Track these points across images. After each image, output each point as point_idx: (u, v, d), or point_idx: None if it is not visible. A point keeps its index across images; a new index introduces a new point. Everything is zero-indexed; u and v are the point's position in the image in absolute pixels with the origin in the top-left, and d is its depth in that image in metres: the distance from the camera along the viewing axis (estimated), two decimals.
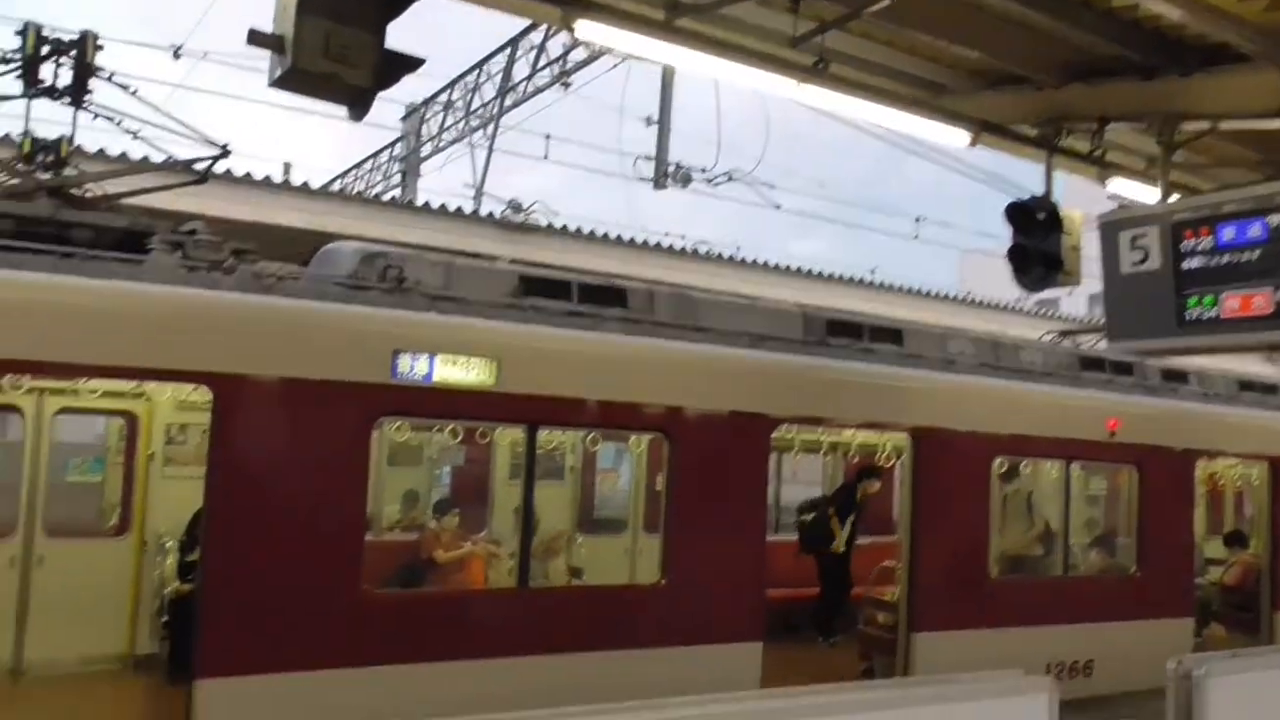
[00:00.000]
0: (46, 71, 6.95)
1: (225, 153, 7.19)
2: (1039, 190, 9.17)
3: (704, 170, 17.92)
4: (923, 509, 8.81)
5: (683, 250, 18.63)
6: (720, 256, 19.04)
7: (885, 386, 8.81)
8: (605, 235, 17.70)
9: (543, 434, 7.75)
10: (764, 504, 8.18)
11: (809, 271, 19.94)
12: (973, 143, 8.86)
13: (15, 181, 6.65)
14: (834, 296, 18.29)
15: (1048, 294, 13.65)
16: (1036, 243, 8.86)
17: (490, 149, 19.13)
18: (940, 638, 8.66)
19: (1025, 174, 9.52)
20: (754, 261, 19.29)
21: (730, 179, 17.86)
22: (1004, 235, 9.08)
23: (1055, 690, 5.19)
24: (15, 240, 5.94)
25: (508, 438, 9.69)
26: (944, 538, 8.94)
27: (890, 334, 9.38)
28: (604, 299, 7.92)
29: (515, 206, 16.96)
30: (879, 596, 9.54)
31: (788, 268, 19.66)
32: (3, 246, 5.84)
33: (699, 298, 8.79)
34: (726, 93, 13.45)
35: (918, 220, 24.13)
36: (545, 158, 18.74)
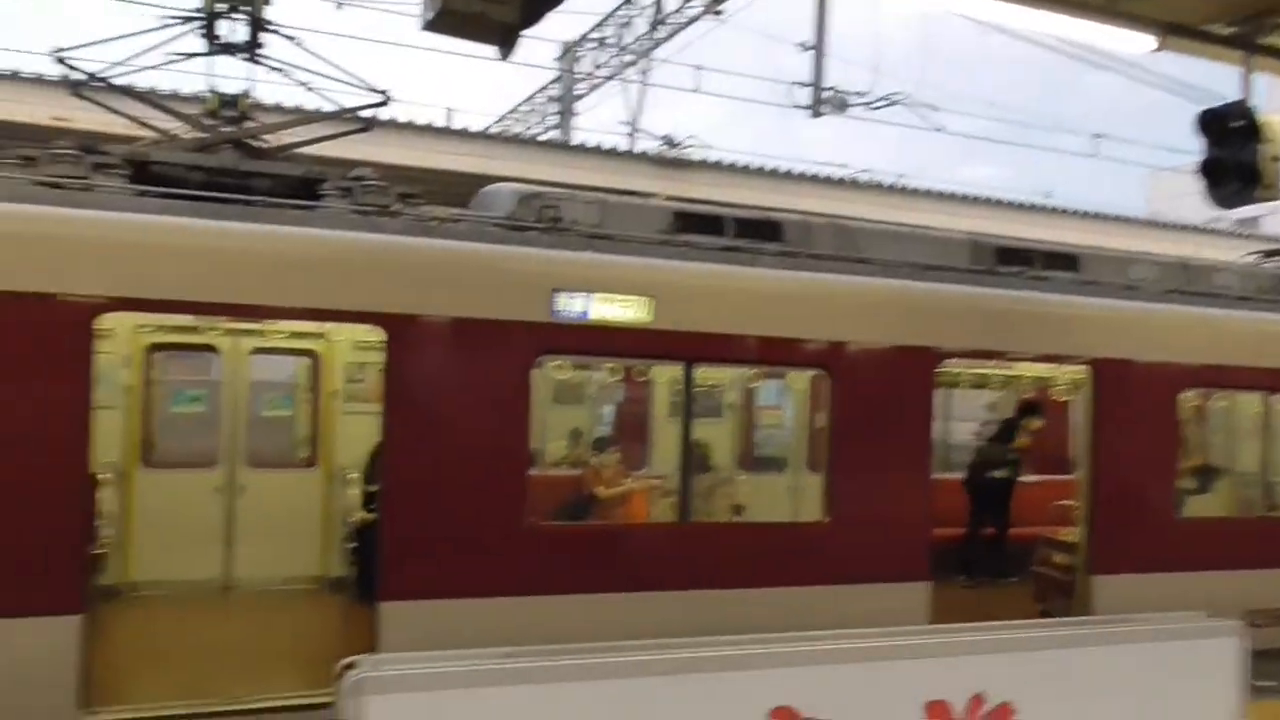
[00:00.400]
0: (224, 28, 7.32)
1: (385, 100, 7.42)
2: (1233, 97, 8.36)
3: (862, 95, 17.25)
4: (1103, 445, 8.35)
5: (840, 180, 18.11)
6: (881, 185, 18.41)
7: (1061, 316, 8.35)
8: (760, 168, 17.39)
9: (700, 371, 7.76)
10: (929, 441, 7.95)
11: (978, 198, 19.03)
12: (1159, 47, 8.12)
13: (203, 135, 7.07)
14: (1007, 223, 17.44)
15: (1247, 211, 12.54)
16: (1232, 154, 8.11)
17: (643, 85, 19.02)
18: (1123, 581, 8.25)
19: (1218, 79, 8.68)
20: (917, 189, 18.56)
21: (891, 103, 17.12)
22: (1195, 149, 8.36)
23: (1245, 636, 4.87)
24: (205, 190, 6.36)
25: (666, 375, 9.75)
26: (1127, 475, 8.47)
27: (1065, 260, 8.86)
28: (759, 233, 7.82)
29: (669, 142, 16.86)
30: (1055, 537, 9.17)
31: (953, 194, 18.82)
32: (195, 196, 6.27)
33: (858, 228, 8.55)
34: (884, 14, 12.83)
35: (1097, 138, 22.48)
36: (696, 90, 18.45)
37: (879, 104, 17.25)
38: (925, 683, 4.70)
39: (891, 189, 18.43)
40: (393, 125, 13.87)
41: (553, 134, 20.75)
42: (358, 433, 8.68)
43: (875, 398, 7.66)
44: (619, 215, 7.49)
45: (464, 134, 15.50)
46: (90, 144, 6.49)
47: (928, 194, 18.58)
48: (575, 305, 6.85)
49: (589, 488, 8.78)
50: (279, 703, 6.22)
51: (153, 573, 8.66)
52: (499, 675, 4.14)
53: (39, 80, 12.98)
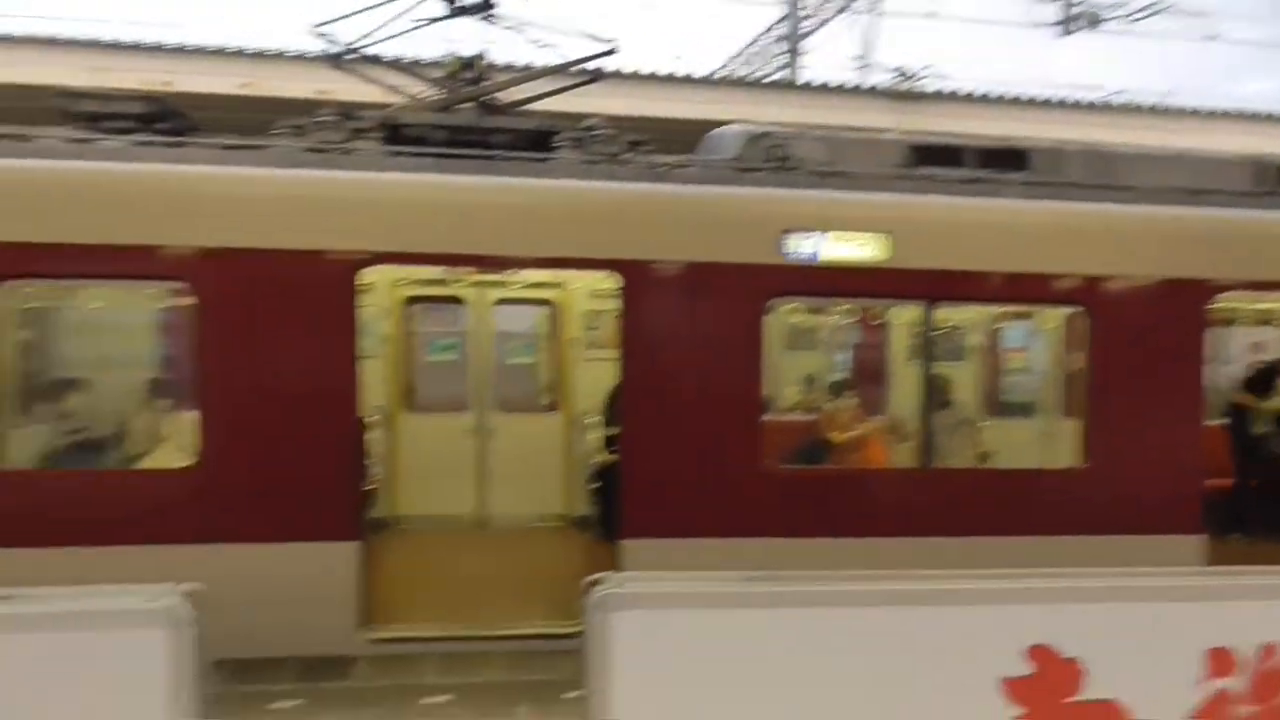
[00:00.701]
0: None
1: (613, 50, 7.51)
2: None
3: (1119, 6, 15.72)
4: None
5: (1093, 104, 16.66)
6: (1141, 107, 16.80)
7: None
8: (1002, 96, 16.31)
9: (941, 311, 7.44)
10: (1201, 383, 7.24)
11: (1258, 114, 16.99)
12: None
13: (445, 96, 7.45)
14: None
15: None
16: None
17: (874, 16, 18.24)
18: None
19: None
20: (1184, 109, 16.79)
21: (1153, 13, 15.50)
22: None
23: None
24: (449, 148, 6.71)
25: (904, 316, 9.42)
26: None
27: None
28: (1003, 162, 7.43)
29: (903, 75, 16.12)
30: None
31: (1226, 113, 16.89)
32: (440, 154, 6.63)
33: (1116, 153, 7.88)
34: None
35: None
36: (932, 15, 17.46)
37: (1139, 14, 15.70)
38: (1206, 627, 4.33)
39: (1154, 110, 16.77)
40: (621, 76, 14.03)
41: (781, 75, 20.34)
42: (596, 378, 8.98)
43: (1140, 336, 7.07)
44: (851, 151, 7.31)
45: (691, 80, 15.46)
46: (348, 111, 6.99)
47: (1196, 113, 16.79)
48: (807, 246, 6.74)
49: (825, 432, 8.65)
50: (529, 631, 6.61)
51: (415, 507, 9.39)
52: (743, 598, 4.18)
53: (300, 57, 14.11)
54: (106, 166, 6.17)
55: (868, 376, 10.31)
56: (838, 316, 9.99)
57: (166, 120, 6.86)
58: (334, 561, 6.23)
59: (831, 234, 6.76)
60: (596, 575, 4.25)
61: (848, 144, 7.42)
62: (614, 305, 6.87)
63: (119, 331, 7.66)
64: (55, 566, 5.67)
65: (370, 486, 7.96)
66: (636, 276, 6.53)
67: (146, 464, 6.88)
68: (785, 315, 9.54)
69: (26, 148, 6.23)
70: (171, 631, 3.93)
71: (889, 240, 6.80)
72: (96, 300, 7.18)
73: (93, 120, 6.64)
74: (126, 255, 6.03)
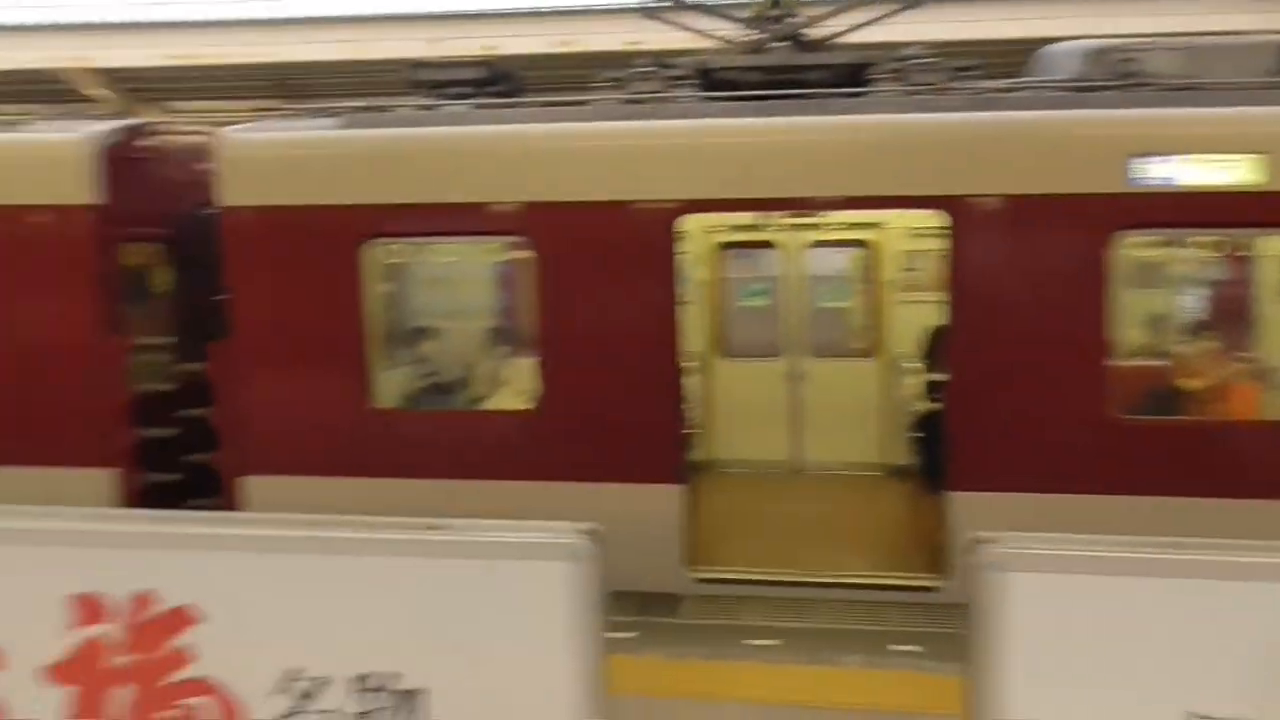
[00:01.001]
0: None
1: None
2: None
3: None
4: None
5: None
6: None
7: None
8: None
9: None
10: None
11: None
12: None
13: (757, 37, 7.32)
14: None
15: None
16: None
17: None
18: None
19: None
20: None
21: None
22: None
23: None
24: (763, 89, 6.61)
25: (1274, 247, 8.23)
26: None
27: None
28: None
29: None
30: None
31: None
32: (754, 97, 6.56)
33: None
34: None
35: None
36: None
37: None
38: None
39: None
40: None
41: None
42: (912, 321, 8.64)
43: None
44: (1214, 60, 6.50)
45: None
46: (662, 60, 7.07)
47: None
48: (1158, 171, 6.08)
49: (1177, 379, 7.77)
50: (854, 580, 6.53)
51: (731, 452, 9.54)
52: (1157, 566, 3.81)
53: (610, 10, 14.52)
54: (451, 131, 6.67)
55: (1229, 317, 9.17)
56: (1192, 249, 8.90)
57: (499, 83, 7.28)
58: (660, 502, 6.47)
59: (1190, 156, 6.04)
60: (983, 534, 4.03)
61: (1210, 52, 6.58)
62: (937, 245, 6.52)
63: (463, 284, 8.33)
64: (409, 496, 6.31)
65: (690, 431, 8.18)
66: (965, 213, 6.16)
67: (489, 406, 7.48)
68: (1129, 249, 8.64)
69: (386, 117, 6.87)
70: (575, 565, 4.26)
71: (1265, 161, 5.97)
72: (445, 255, 7.84)
73: (436, 88, 7.19)
74: (470, 213, 6.50)
